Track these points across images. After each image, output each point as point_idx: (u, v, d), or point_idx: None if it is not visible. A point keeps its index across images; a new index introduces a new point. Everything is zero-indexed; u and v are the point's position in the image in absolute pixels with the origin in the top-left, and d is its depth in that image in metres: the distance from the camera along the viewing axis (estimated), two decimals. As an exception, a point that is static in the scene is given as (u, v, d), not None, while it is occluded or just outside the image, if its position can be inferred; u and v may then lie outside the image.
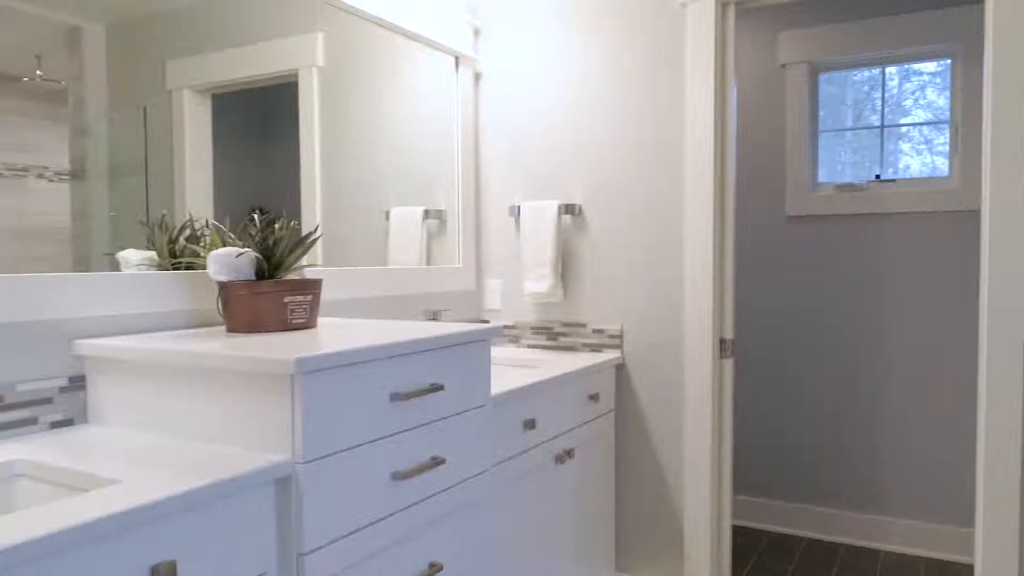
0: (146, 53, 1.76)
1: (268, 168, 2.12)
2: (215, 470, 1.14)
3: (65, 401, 1.46)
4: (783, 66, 3.24)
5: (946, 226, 2.97)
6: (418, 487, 1.49)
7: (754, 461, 3.35)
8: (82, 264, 1.57)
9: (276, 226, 1.73)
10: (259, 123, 2.10)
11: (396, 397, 1.42)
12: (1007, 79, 1.93)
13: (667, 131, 2.42)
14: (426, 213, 2.65)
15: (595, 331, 2.54)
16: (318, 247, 2.21)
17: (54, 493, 1.19)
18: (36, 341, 1.42)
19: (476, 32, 2.74)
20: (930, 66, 3.07)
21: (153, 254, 1.73)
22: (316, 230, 1.74)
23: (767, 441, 3.32)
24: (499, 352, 2.59)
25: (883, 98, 3.15)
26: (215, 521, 1.11)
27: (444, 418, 1.57)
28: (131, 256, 1.69)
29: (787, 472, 3.28)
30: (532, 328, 2.67)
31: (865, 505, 3.13)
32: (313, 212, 2.23)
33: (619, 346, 2.51)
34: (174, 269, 1.73)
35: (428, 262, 2.63)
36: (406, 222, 2.54)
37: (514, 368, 2.48)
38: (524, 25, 2.65)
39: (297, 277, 1.71)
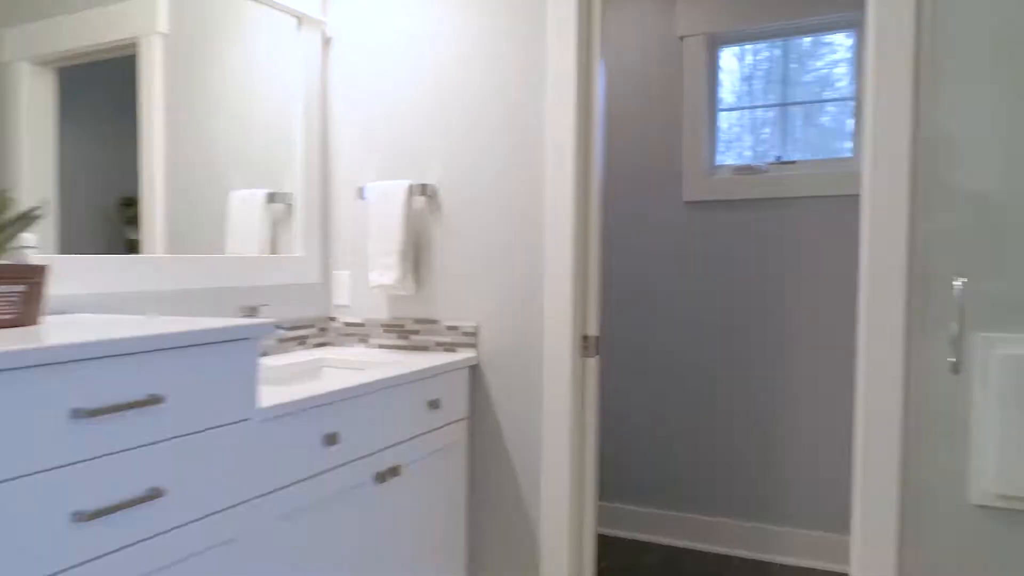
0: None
1: (131, 150, 1.87)
2: None
3: None
4: (681, 38, 2.98)
5: (850, 211, 2.74)
6: (123, 529, 1.18)
7: (660, 469, 3.09)
8: None
9: (-9, 201, 1.40)
10: (118, 100, 1.85)
11: (80, 414, 1.10)
12: (888, 51, 1.68)
13: (529, 110, 2.13)
14: (271, 196, 2.33)
15: (449, 328, 2.25)
16: (156, 234, 1.92)
17: None
18: None
19: (323, -10, 2.42)
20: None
21: None
22: (36, 208, 1.41)
23: (666, 446, 3.06)
24: (340, 353, 2.27)
25: (784, 73, 2.91)
26: None
27: (172, 438, 1.25)
28: None
29: (683, 480, 3.03)
30: (384, 326, 2.36)
31: (755, 514, 2.89)
32: (153, 195, 1.94)
33: (474, 344, 2.21)
34: None
35: (273, 251, 2.32)
36: (246, 206, 2.23)
37: (340, 370, 2.17)
38: (375, -18, 2.34)
39: (11, 262, 1.38)
